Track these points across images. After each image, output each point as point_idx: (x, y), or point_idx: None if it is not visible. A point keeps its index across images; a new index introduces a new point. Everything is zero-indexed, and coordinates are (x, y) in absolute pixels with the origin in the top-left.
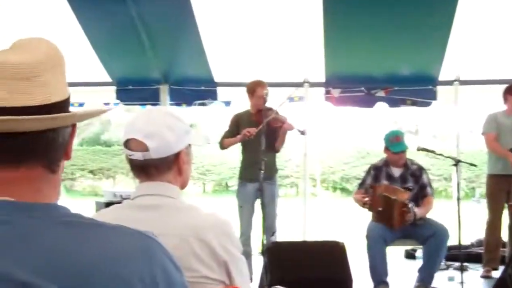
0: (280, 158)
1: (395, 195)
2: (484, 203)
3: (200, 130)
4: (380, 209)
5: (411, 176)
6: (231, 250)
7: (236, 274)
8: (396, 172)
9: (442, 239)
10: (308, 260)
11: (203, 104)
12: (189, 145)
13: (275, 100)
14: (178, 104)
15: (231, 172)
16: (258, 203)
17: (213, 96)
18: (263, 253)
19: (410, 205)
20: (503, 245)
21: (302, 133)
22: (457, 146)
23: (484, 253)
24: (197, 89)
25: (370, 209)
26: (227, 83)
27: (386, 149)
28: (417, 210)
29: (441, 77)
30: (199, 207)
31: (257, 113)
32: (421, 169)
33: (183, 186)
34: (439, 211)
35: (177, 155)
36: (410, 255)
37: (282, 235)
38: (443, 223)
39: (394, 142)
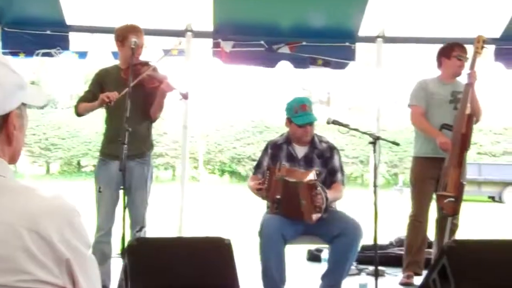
0: (153, 132)
1: (297, 178)
2: (408, 192)
3: (41, 88)
4: (278, 196)
5: (319, 157)
6: (76, 246)
7: (81, 277)
8: (300, 151)
9: (353, 238)
10: (182, 262)
11: (49, 55)
12: (23, 104)
13: (151, 53)
14: (14, 54)
15: (85, 148)
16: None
17: (63, 44)
18: (122, 253)
19: (318, 187)
20: (429, 245)
21: (184, 96)
22: (377, 120)
23: (405, 255)
24: (40, 34)
25: (266, 198)
26: (84, 28)
27: (289, 121)
28: (328, 192)
29: (361, 32)
30: (38, 189)
31: (128, 70)
32: (332, 149)
33: (13, 159)
34: (352, 202)
35: (5, 118)
36: (313, 257)
37: (154, 230)
38: (356, 217)
39: (300, 111)
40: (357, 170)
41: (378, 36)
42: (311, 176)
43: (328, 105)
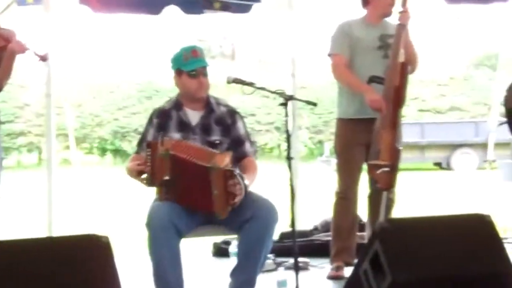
0: (9, 103)
1: (204, 160)
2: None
3: None
4: (166, 178)
5: (218, 123)
6: None
7: None
8: (194, 117)
9: (266, 223)
10: (48, 266)
11: None
12: None
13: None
14: None
15: None
16: None
17: None
18: None
19: (237, 175)
20: (361, 227)
21: (43, 58)
22: (292, 76)
23: (332, 241)
24: None
25: (150, 183)
26: None
27: (178, 73)
28: (246, 177)
29: None
30: None
31: None
32: (233, 113)
33: None
34: (266, 178)
35: None
36: (220, 251)
37: (14, 231)
38: (270, 198)
39: (191, 58)
40: (273, 139)
41: None
42: (228, 160)
43: (232, 59)
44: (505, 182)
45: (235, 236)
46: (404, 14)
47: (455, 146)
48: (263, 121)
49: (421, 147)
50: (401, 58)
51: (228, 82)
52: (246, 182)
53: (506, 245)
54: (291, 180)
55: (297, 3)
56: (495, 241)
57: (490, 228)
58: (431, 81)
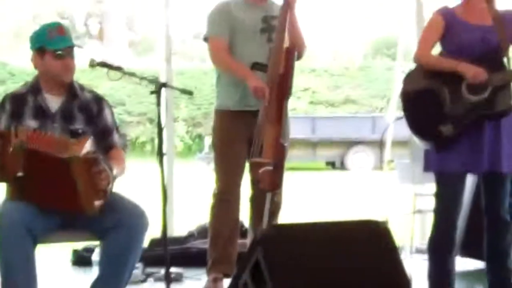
0: None
1: (61, 151)
2: None
3: None
4: (20, 174)
5: (82, 110)
6: None
7: None
8: (54, 103)
9: (134, 229)
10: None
11: None
12: None
13: None
14: None
15: None
16: None
17: None
18: None
19: (101, 162)
20: (243, 233)
21: None
22: (167, 61)
23: (209, 250)
24: None
25: (2, 178)
26: None
27: (40, 53)
28: (115, 168)
29: None
30: None
31: None
32: (99, 100)
33: None
34: (137, 177)
35: None
36: (81, 259)
37: None
38: (140, 200)
39: (56, 36)
40: (146, 132)
41: None
42: (88, 146)
43: (100, 39)
44: (402, 184)
45: (98, 243)
46: None
47: (350, 144)
48: (134, 112)
49: (312, 144)
50: (287, 43)
51: (91, 66)
52: (114, 171)
53: (401, 254)
54: (162, 179)
55: None
56: (390, 250)
57: (385, 236)
58: (324, 71)
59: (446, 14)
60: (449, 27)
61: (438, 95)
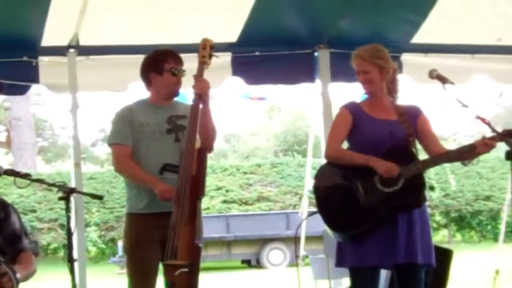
0: None
1: None
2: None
3: None
4: None
5: None
6: None
7: None
8: None
9: None
10: None
11: None
12: None
13: None
14: None
15: None
16: None
17: None
18: None
19: (2, 264)
20: None
21: None
22: (75, 166)
23: None
24: None
25: None
26: None
27: None
28: (18, 269)
29: (45, 42)
30: None
31: None
32: (6, 206)
33: None
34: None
35: None
36: None
37: None
38: None
39: None
40: (57, 238)
41: (69, 46)
42: None
43: (8, 146)
44: (317, 280)
45: None
46: (200, 83)
47: (264, 241)
48: (45, 218)
49: (227, 243)
50: (198, 144)
51: None
52: (18, 275)
53: None
54: (73, 286)
55: (82, 82)
56: None
57: None
58: (235, 169)
59: (353, 109)
60: (356, 121)
61: (351, 188)
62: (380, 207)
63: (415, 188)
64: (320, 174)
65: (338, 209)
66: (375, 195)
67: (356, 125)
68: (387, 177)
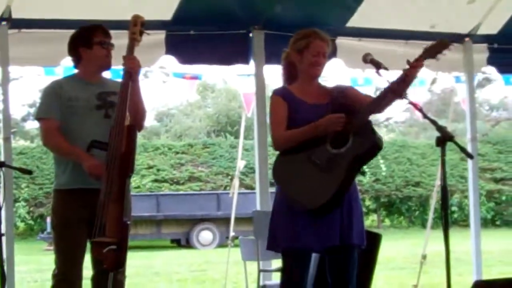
0: None
1: None
2: None
3: None
4: None
5: None
6: None
7: None
8: None
9: None
10: None
11: None
12: None
13: None
14: None
15: None
16: None
17: None
18: None
19: None
20: None
21: None
22: (5, 141)
23: None
24: None
25: None
26: None
27: None
28: None
29: None
30: None
31: None
32: None
33: None
34: None
35: None
36: None
37: None
38: None
39: None
40: None
41: (1, 19)
42: None
43: None
44: (247, 261)
45: None
46: (130, 61)
47: (195, 221)
48: None
49: (157, 222)
50: (127, 121)
51: None
52: None
53: None
54: (0, 260)
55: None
56: None
57: None
58: (167, 148)
59: (285, 95)
60: (289, 108)
61: (310, 162)
62: (341, 164)
63: (366, 134)
64: (278, 165)
65: (305, 186)
66: (332, 160)
67: (290, 111)
68: (337, 139)
